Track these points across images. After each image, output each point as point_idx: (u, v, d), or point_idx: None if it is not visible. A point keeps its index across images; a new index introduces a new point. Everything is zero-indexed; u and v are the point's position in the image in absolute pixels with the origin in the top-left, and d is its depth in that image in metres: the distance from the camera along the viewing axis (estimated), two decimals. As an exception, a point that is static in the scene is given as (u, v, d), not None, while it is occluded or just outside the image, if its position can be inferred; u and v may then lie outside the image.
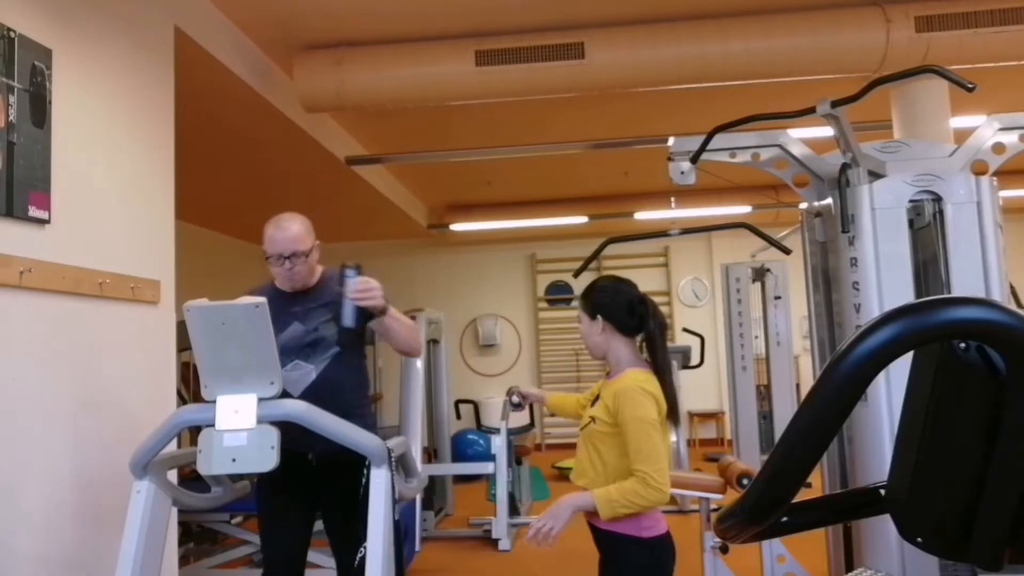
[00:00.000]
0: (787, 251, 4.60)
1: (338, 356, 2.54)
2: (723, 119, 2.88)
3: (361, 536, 2.53)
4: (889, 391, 2.41)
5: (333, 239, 9.81)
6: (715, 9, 4.25)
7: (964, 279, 2.42)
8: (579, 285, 2.39)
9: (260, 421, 1.94)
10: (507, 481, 5.20)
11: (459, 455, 7.56)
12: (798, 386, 7.03)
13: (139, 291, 2.94)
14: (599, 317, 2.18)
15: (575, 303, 2.40)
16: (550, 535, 1.96)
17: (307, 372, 2.54)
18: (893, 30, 4.17)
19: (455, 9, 4.15)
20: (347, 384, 2.56)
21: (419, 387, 5.45)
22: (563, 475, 7.25)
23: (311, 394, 2.43)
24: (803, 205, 2.87)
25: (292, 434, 2.02)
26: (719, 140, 2.86)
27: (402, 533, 3.31)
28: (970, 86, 2.35)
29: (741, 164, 2.91)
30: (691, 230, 5.21)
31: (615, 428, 2.05)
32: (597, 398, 2.21)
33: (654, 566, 2.06)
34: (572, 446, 2.48)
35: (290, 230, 2.47)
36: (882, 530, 2.41)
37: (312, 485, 2.56)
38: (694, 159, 2.88)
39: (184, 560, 4.41)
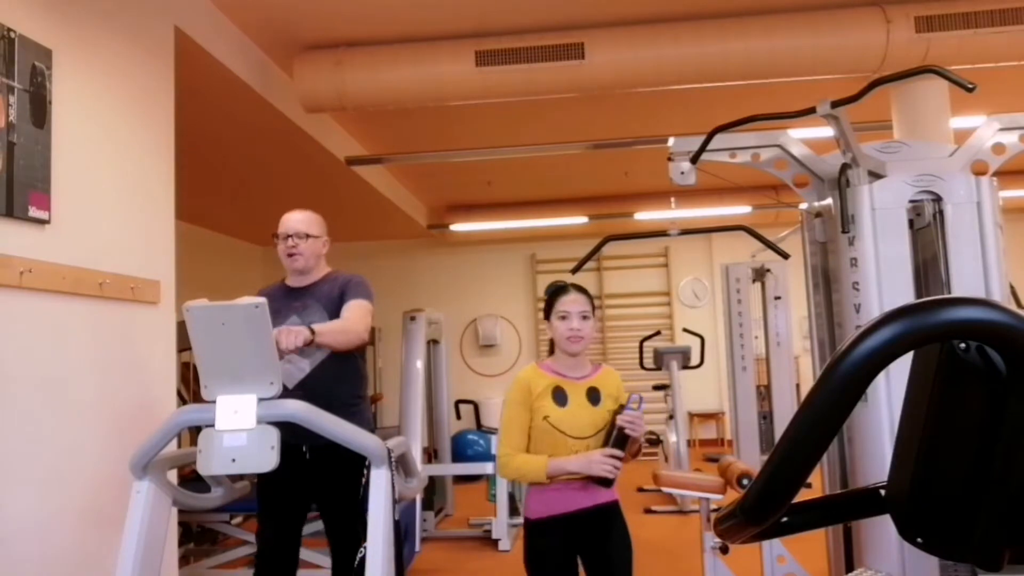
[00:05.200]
0: (785, 255, 4.59)
1: (332, 353, 2.59)
2: (723, 119, 2.87)
3: (360, 536, 2.59)
4: (889, 391, 2.40)
5: (333, 239, 9.76)
6: (715, 9, 4.25)
7: (964, 279, 2.42)
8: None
9: (260, 421, 1.94)
10: (507, 481, 5.20)
11: (459, 455, 7.56)
12: (798, 386, 7.03)
13: (139, 291, 2.94)
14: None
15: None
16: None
17: (301, 366, 2.58)
18: (893, 30, 4.17)
19: (455, 9, 4.15)
20: (339, 380, 2.62)
21: (419, 387, 5.45)
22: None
23: (303, 388, 2.47)
24: (803, 205, 2.87)
25: (286, 426, 2.04)
26: (719, 140, 2.86)
27: (402, 533, 3.31)
28: (970, 86, 2.34)
29: (741, 164, 2.91)
30: (690, 231, 5.21)
31: None
32: (593, 396, 2.28)
33: None
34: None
35: (298, 214, 2.78)
36: (882, 530, 2.40)
37: (308, 478, 2.62)
38: (694, 159, 2.88)
39: (184, 560, 4.41)
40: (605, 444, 2.18)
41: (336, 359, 2.62)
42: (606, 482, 2.14)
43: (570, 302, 2.27)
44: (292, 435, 2.22)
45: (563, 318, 2.26)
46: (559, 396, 2.23)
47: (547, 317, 2.34)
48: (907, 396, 0.91)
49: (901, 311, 0.77)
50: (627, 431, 2.15)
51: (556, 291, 2.33)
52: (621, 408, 2.22)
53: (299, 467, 2.59)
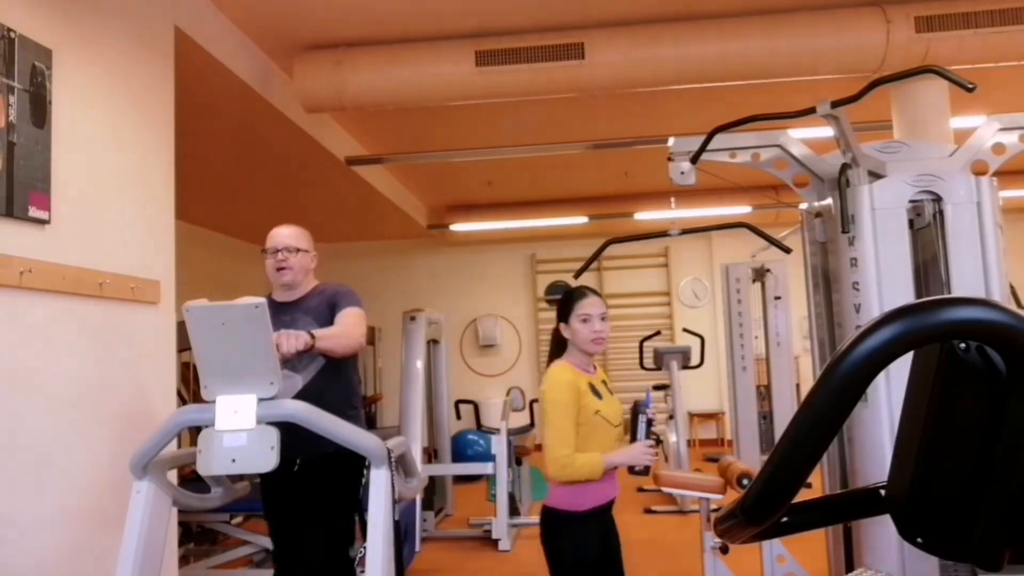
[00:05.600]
0: (787, 250, 4.60)
1: (325, 366, 2.61)
2: (723, 119, 2.88)
3: (352, 533, 2.64)
4: (889, 391, 2.41)
5: (333, 239, 9.80)
6: (715, 9, 4.25)
7: (964, 279, 2.42)
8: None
9: (260, 421, 1.94)
10: (507, 481, 5.21)
11: (459, 455, 7.56)
12: (798, 386, 7.03)
13: (139, 291, 2.94)
14: None
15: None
16: None
17: (294, 382, 2.59)
18: (893, 30, 4.17)
19: (455, 9, 4.15)
20: (334, 393, 2.64)
21: (419, 387, 5.45)
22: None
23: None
24: (803, 205, 2.87)
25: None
26: (719, 140, 2.86)
27: (402, 533, 3.32)
28: (970, 86, 2.34)
29: (741, 164, 2.91)
30: (691, 230, 5.21)
31: None
32: (607, 388, 2.44)
33: None
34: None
35: (286, 229, 2.81)
36: (882, 530, 2.41)
37: (301, 488, 2.69)
38: (694, 159, 2.88)
39: (184, 560, 4.41)
40: (633, 436, 2.35)
41: (330, 372, 2.62)
42: (648, 470, 2.33)
43: (590, 305, 2.36)
44: (284, 447, 2.23)
45: (585, 321, 2.34)
46: (595, 391, 2.35)
47: (563, 320, 2.39)
48: (907, 396, 0.91)
49: (901, 311, 0.77)
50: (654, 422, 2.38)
51: (574, 295, 2.40)
52: (638, 404, 2.35)
53: (293, 479, 2.67)
